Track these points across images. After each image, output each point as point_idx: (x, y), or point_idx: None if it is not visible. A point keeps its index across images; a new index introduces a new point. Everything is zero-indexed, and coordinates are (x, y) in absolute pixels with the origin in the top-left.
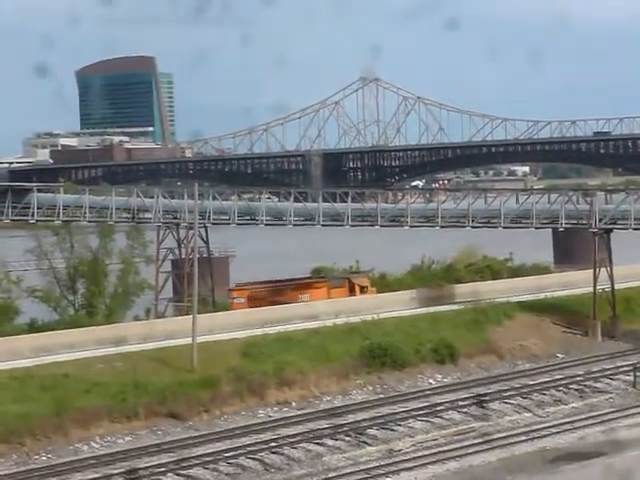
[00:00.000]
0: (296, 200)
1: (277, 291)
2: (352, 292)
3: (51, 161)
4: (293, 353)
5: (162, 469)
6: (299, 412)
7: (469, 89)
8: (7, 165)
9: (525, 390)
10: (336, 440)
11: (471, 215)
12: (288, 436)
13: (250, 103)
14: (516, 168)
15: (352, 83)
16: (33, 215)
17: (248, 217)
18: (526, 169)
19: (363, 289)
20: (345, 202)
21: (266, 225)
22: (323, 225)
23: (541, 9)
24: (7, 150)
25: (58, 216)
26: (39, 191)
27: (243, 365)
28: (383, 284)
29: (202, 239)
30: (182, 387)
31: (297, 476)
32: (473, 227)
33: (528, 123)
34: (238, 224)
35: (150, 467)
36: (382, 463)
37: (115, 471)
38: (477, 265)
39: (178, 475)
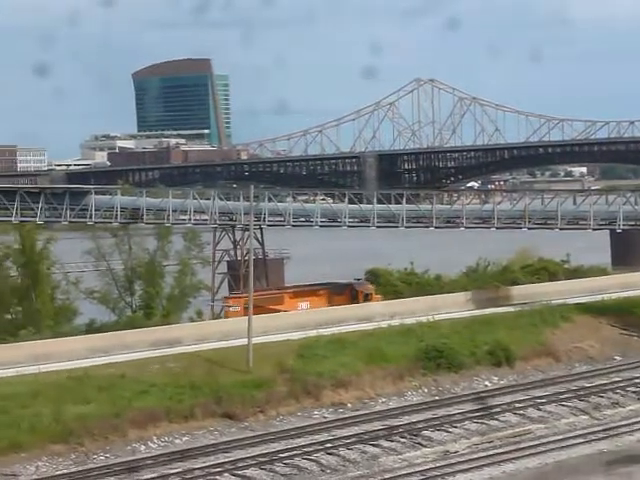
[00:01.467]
0: (351, 201)
1: (274, 299)
2: (355, 300)
3: (108, 163)
4: (348, 354)
5: (218, 469)
6: (354, 413)
7: (525, 90)
8: (65, 167)
9: (582, 392)
10: (391, 441)
11: (527, 216)
12: (343, 437)
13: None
14: (573, 169)
15: (407, 84)
16: (91, 217)
17: (303, 219)
18: (583, 170)
19: (367, 297)
20: (400, 203)
21: (321, 226)
22: (378, 227)
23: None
24: (65, 153)
25: (116, 218)
26: (97, 193)
27: (298, 366)
28: (438, 286)
29: (257, 240)
30: (238, 388)
31: (352, 477)
32: (529, 228)
33: (586, 123)
34: (293, 225)
35: (206, 467)
36: (438, 465)
37: (172, 471)
38: (533, 267)
39: (234, 475)
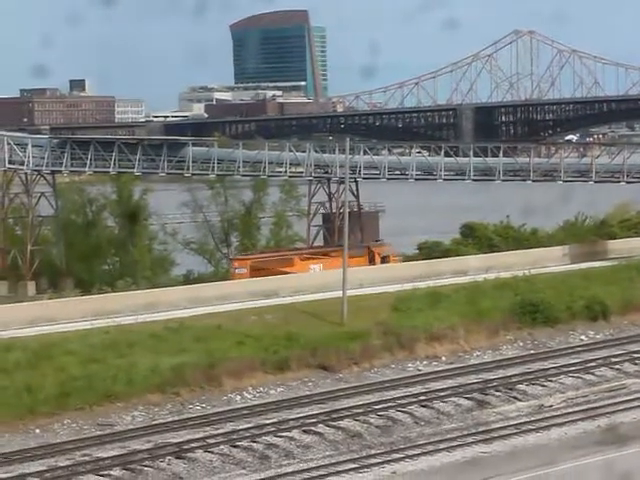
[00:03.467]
0: (447, 154)
1: (283, 261)
2: (372, 262)
3: (205, 115)
4: (443, 308)
5: (313, 420)
6: (449, 366)
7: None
8: (163, 119)
9: None
10: (486, 395)
11: (626, 170)
12: (438, 390)
13: (401, 57)
14: None
15: (506, 35)
16: (188, 169)
17: (398, 172)
18: None
19: (384, 259)
20: (497, 156)
21: (416, 180)
22: (474, 180)
23: None
24: (163, 104)
25: (212, 170)
26: (194, 145)
27: (392, 319)
28: (535, 240)
29: (353, 193)
30: (332, 340)
31: (447, 430)
32: (628, 182)
33: None
34: (388, 179)
35: (301, 418)
36: (532, 419)
37: (267, 421)
38: (631, 221)
39: (329, 426)
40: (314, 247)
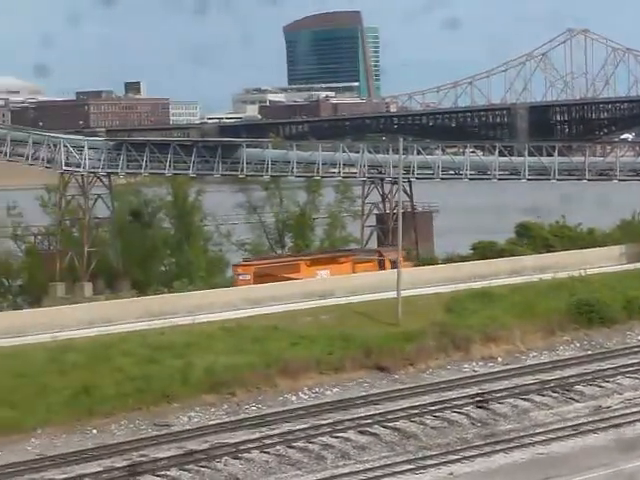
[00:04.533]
0: (501, 154)
1: (289, 267)
2: (382, 267)
3: (259, 117)
4: (497, 308)
5: (368, 421)
6: (505, 367)
7: None
8: (217, 121)
9: None
10: (543, 396)
11: None
12: (494, 391)
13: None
14: None
15: (559, 34)
16: (242, 170)
17: (452, 171)
18: None
19: (394, 263)
20: (551, 156)
21: (470, 179)
22: (529, 179)
23: None
24: (217, 106)
25: (267, 171)
26: (248, 146)
27: (447, 319)
28: (591, 239)
29: (406, 193)
30: (387, 340)
31: (503, 431)
32: None
33: None
34: (442, 178)
35: (357, 419)
36: (590, 419)
37: (323, 422)
38: None
39: (384, 427)
40: (324, 252)
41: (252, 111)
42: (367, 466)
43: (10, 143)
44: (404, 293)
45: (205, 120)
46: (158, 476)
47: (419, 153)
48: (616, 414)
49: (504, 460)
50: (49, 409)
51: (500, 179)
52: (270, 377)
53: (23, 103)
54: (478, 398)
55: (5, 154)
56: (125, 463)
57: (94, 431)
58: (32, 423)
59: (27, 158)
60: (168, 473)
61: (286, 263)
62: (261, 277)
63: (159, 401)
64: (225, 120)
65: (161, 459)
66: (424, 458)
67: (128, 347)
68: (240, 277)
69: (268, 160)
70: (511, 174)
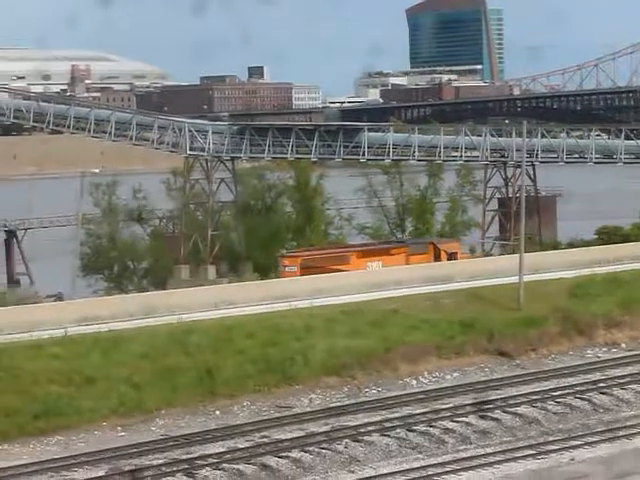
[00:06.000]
0: (627, 137)
1: (337, 258)
2: (438, 259)
3: (381, 100)
4: (622, 294)
5: (490, 406)
6: (629, 353)
7: None
8: (339, 105)
9: None
10: None
11: None
12: (617, 377)
13: (580, 39)
14: None
15: None
16: (363, 154)
17: (577, 155)
18: None
19: (451, 256)
20: None
21: (595, 163)
22: None
23: None
24: (339, 90)
25: (388, 155)
26: (369, 130)
27: (570, 305)
28: None
29: (530, 177)
30: (509, 325)
31: (626, 417)
32: None
33: None
34: (566, 162)
35: (478, 403)
36: None
37: (443, 406)
38: None
39: (506, 412)
40: (375, 244)
41: (374, 95)
42: (488, 450)
43: (136, 127)
44: (527, 278)
45: (327, 104)
46: (280, 457)
47: (543, 136)
48: None
49: (626, 446)
50: (173, 390)
51: (626, 163)
52: (390, 361)
53: (148, 88)
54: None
55: (131, 138)
56: (248, 444)
57: (217, 412)
58: (156, 404)
59: (152, 142)
60: (290, 454)
61: (335, 254)
62: (308, 269)
63: (280, 383)
64: (347, 104)
65: (282, 440)
66: (545, 443)
67: (250, 329)
68: (286, 269)
69: (389, 144)
70: (637, 158)
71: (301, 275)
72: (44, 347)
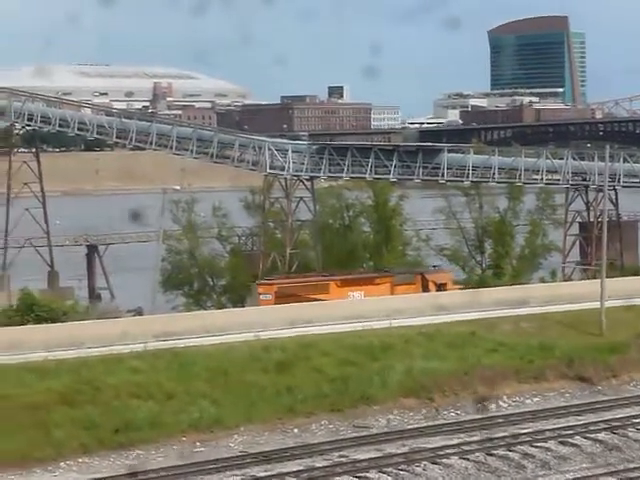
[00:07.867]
0: None
1: (314, 287)
2: (426, 289)
3: (460, 122)
4: None
5: (569, 432)
6: None
7: None
8: (418, 126)
9: None
10: None
11: None
12: None
13: None
14: None
15: None
16: (443, 175)
17: None
18: None
19: (440, 287)
20: None
21: None
22: None
23: None
24: (418, 111)
25: (467, 177)
26: (449, 151)
27: None
28: None
29: (611, 202)
30: (589, 351)
31: None
32: None
33: None
34: None
35: (558, 429)
36: None
37: (523, 431)
38: None
39: (586, 438)
40: (358, 272)
41: (453, 116)
42: (567, 477)
43: (217, 145)
44: (608, 304)
45: (406, 125)
46: (357, 477)
47: (625, 161)
48: None
49: None
50: (252, 407)
51: None
52: (468, 383)
53: (229, 106)
54: None
55: (212, 156)
56: (325, 463)
57: (295, 430)
58: (235, 420)
59: (233, 160)
60: (367, 475)
61: (312, 283)
62: (284, 297)
63: (358, 403)
64: (426, 125)
65: (360, 460)
66: (626, 470)
67: (327, 348)
68: (261, 297)
69: (469, 165)
70: None
71: (277, 304)
72: (124, 360)
